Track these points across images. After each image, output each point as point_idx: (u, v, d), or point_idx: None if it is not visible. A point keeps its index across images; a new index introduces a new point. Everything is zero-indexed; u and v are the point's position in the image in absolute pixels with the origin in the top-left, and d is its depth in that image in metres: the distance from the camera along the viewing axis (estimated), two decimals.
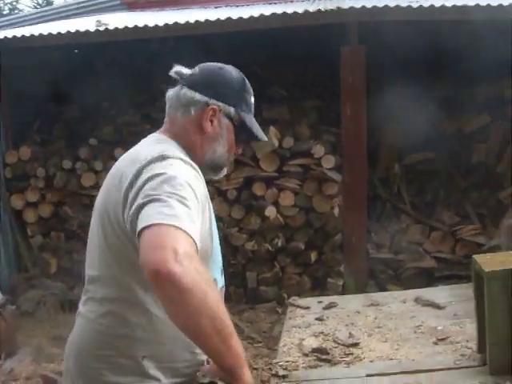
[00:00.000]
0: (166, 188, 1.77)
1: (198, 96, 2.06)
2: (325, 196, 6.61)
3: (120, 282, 1.97)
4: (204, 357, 2.06)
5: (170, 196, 1.75)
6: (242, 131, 2.13)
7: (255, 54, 7.88)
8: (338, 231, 6.68)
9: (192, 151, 2.07)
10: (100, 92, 7.40)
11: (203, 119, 2.06)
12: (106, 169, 6.84)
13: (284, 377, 2.53)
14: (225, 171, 2.23)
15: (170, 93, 2.15)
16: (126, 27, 6.41)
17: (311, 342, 2.84)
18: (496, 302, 2.26)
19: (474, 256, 2.47)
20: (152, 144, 2.04)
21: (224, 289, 2.30)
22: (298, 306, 3.35)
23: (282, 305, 6.14)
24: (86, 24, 6.98)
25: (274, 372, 2.59)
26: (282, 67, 8.11)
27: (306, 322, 3.09)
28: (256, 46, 7.63)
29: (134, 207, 1.78)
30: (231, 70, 2.15)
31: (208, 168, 2.14)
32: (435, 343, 2.68)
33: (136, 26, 6.37)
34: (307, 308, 3.30)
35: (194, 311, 1.66)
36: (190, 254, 1.67)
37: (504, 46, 7.28)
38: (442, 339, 2.71)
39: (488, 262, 2.35)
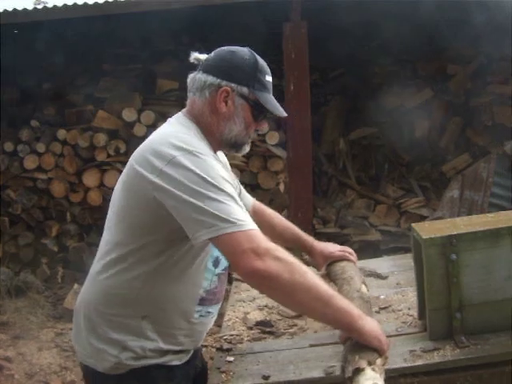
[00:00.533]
0: (208, 184, 1.97)
1: (211, 79, 2.19)
2: (270, 172, 6.63)
3: (131, 248, 2.13)
4: (202, 328, 2.28)
5: (216, 192, 1.96)
6: (258, 109, 2.22)
7: (202, 31, 7.80)
8: (284, 207, 6.69)
9: (210, 132, 2.22)
10: (41, 73, 7.26)
11: (217, 101, 2.18)
12: (49, 151, 6.78)
13: (228, 350, 2.53)
14: (247, 148, 2.32)
15: (190, 77, 2.27)
16: (65, 5, 6.25)
17: (256, 316, 2.85)
18: (434, 269, 2.30)
19: (413, 224, 2.51)
20: (174, 129, 2.20)
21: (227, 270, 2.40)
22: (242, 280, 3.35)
23: (231, 282, 6.14)
24: (24, 2, 6.78)
25: (218, 346, 2.59)
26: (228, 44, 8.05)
27: (251, 296, 3.08)
28: (201, 23, 7.55)
29: (182, 204, 1.97)
30: (244, 53, 2.23)
31: (228, 146, 2.28)
32: (377, 312, 2.71)
33: (75, 4, 6.21)
34: None
35: (289, 293, 1.94)
36: (263, 246, 1.94)
37: (446, 21, 7.39)
38: (385, 308, 2.75)
39: (426, 230, 2.39)
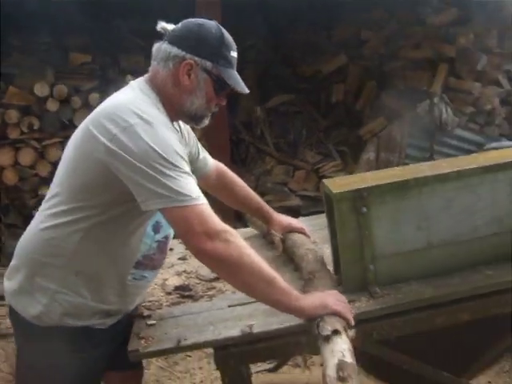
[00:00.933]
0: (161, 157, 2.00)
1: (175, 51, 2.19)
2: None
3: (75, 205, 2.15)
4: (135, 290, 2.37)
5: (169, 166, 2.00)
6: (220, 84, 2.23)
7: (111, 6, 7.63)
8: None
9: (170, 103, 2.23)
10: None
11: (180, 73, 2.19)
12: None
13: (148, 317, 2.52)
14: (206, 121, 2.34)
15: (155, 47, 2.27)
16: None
17: (174, 281, 2.83)
18: (346, 223, 2.34)
19: (324, 180, 2.54)
20: (133, 95, 2.19)
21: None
22: None
23: None
24: None
25: (138, 313, 2.57)
26: (140, 16, 7.91)
27: (169, 263, 3.06)
28: None
29: (134, 171, 2.00)
30: (211, 26, 2.22)
31: (187, 118, 2.32)
32: (295, 270, 2.75)
33: None
34: (170, 249, 3.28)
35: (235, 273, 2.05)
36: (214, 228, 2.01)
37: None
38: None
39: (336, 185, 2.42)
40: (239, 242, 2.05)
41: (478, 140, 7.20)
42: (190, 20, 2.26)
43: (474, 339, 2.63)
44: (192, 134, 2.67)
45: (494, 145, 6.83)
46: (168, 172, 2.00)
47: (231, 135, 7.13)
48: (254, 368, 3.84)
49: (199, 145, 2.78)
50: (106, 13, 7.12)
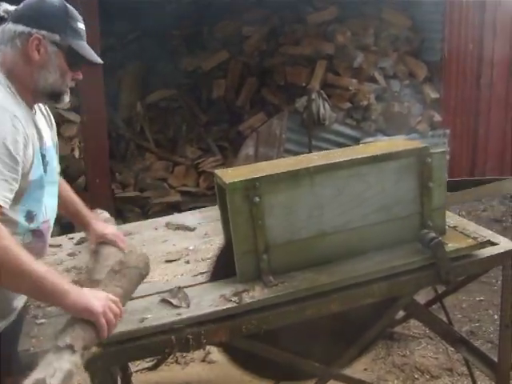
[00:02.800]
0: None
1: (21, 28, 2.11)
2: (64, 138, 6.36)
3: None
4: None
5: None
6: (72, 57, 2.16)
7: None
8: (81, 173, 6.47)
9: (24, 84, 2.14)
10: None
11: (29, 49, 2.10)
12: None
13: (38, 315, 2.41)
14: (66, 98, 2.25)
15: None
16: None
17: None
18: (239, 213, 2.33)
19: (216, 171, 2.51)
20: None
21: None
22: (50, 245, 3.21)
23: None
24: None
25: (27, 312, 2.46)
26: None
27: (59, 259, 2.98)
28: None
29: None
30: (53, 0, 2.15)
31: (45, 96, 2.21)
32: (187, 262, 2.73)
33: None
34: (59, 246, 3.17)
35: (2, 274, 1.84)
36: None
37: None
38: (194, 257, 2.79)
39: (229, 175, 2.41)
40: (5, 241, 1.86)
41: (354, 135, 7.41)
42: None
43: (346, 327, 2.67)
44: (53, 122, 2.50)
45: (369, 140, 7.06)
46: None
47: (111, 131, 6.99)
48: (133, 367, 3.81)
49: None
50: None
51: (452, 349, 3.91)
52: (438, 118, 7.56)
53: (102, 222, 2.73)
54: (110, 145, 6.80)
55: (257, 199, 2.31)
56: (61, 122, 6.37)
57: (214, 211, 2.74)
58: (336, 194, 2.45)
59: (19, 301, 2.31)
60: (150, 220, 3.59)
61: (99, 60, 2.25)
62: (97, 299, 1.93)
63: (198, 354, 4.16)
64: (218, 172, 2.49)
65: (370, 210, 2.52)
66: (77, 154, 6.43)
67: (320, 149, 6.90)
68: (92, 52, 2.22)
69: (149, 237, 3.14)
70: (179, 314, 2.22)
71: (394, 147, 2.60)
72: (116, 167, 7.15)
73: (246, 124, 7.66)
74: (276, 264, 2.39)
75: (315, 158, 2.54)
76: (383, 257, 2.51)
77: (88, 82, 6.16)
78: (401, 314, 3.22)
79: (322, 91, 7.12)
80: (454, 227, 2.76)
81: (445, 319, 3.36)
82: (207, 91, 8.20)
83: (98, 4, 6.17)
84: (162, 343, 2.19)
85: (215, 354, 4.03)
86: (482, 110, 7.78)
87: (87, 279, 2.38)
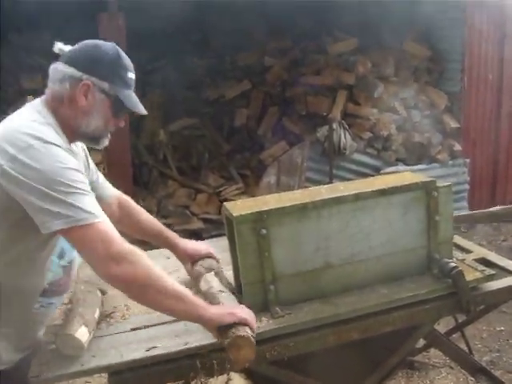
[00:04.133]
0: (57, 177, 1.95)
1: (72, 71, 2.15)
2: None
3: None
4: (42, 318, 2.31)
5: (68, 187, 1.96)
6: (118, 106, 2.20)
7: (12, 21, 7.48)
8: None
9: (67, 124, 2.17)
10: None
11: (77, 94, 2.15)
12: None
13: (50, 341, 2.46)
14: (106, 141, 2.30)
15: (51, 67, 2.21)
16: None
17: None
18: (246, 245, 2.38)
19: (225, 203, 2.56)
20: (29, 116, 2.12)
21: None
22: None
23: None
24: None
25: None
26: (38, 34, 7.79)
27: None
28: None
29: (33, 192, 1.94)
30: (108, 48, 2.20)
31: (85, 139, 2.28)
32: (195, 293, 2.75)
33: None
34: None
35: (144, 293, 2.05)
36: (119, 251, 1.99)
37: (263, 16, 7.61)
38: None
39: (237, 208, 2.46)
40: (144, 262, 2.04)
41: (375, 164, 7.44)
42: (86, 41, 2.23)
43: (366, 356, 2.71)
44: (91, 160, 2.62)
45: (390, 169, 7.09)
46: (66, 190, 1.96)
47: (134, 158, 7.10)
48: None
49: (98, 172, 2.72)
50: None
51: (472, 378, 3.89)
52: (458, 147, 7.58)
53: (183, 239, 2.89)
54: (134, 172, 6.91)
55: (264, 231, 2.36)
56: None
57: (224, 241, 2.78)
58: (342, 227, 2.49)
59: (41, 332, 2.37)
60: (161, 249, 3.63)
61: (144, 111, 2.27)
62: (233, 306, 2.26)
63: (220, 379, 4.18)
64: (227, 204, 2.55)
65: (376, 243, 2.55)
66: None
67: (341, 178, 6.97)
68: (138, 102, 2.25)
69: (161, 265, 3.16)
70: (186, 344, 2.28)
71: (401, 181, 2.64)
72: (139, 194, 7.23)
73: (267, 153, 7.74)
74: (283, 295, 2.43)
75: (322, 192, 2.58)
76: (391, 289, 2.54)
77: None
78: (421, 342, 3.24)
79: (342, 121, 7.19)
80: (462, 260, 2.79)
81: (465, 348, 3.37)
82: (229, 120, 8.30)
83: (125, 33, 6.33)
84: (187, 367, 2.25)
85: (236, 379, 4.05)
86: (501, 140, 7.80)
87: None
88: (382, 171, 7.17)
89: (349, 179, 6.55)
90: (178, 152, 8.02)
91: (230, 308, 2.20)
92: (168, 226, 6.85)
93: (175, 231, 3.09)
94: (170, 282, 2.08)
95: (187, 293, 2.11)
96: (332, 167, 7.04)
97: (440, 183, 2.65)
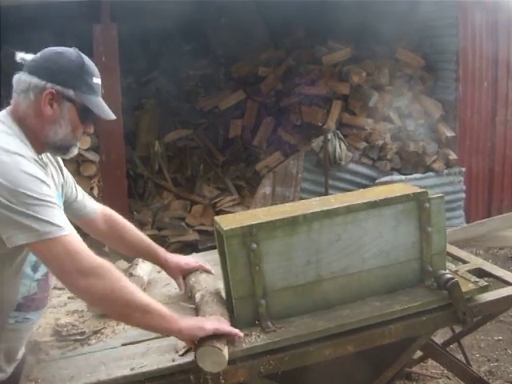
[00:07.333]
0: (23, 189, 1.92)
1: (36, 81, 2.10)
2: (84, 177, 6.47)
3: None
4: (18, 334, 2.22)
5: (31, 197, 1.92)
6: (85, 112, 2.17)
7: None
8: None
9: (34, 135, 2.13)
10: None
11: (42, 103, 2.10)
12: None
13: (39, 358, 2.45)
14: (75, 151, 2.25)
15: (15, 78, 2.16)
16: None
17: (67, 320, 2.77)
18: (236, 258, 2.37)
19: (215, 217, 2.55)
20: None
21: None
22: (55, 287, 3.25)
23: None
24: None
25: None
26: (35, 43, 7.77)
27: (62, 302, 3.01)
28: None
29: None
30: (71, 54, 2.16)
31: (53, 149, 2.21)
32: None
33: None
34: (63, 288, 3.21)
35: (111, 306, 2.08)
36: (87, 265, 1.98)
37: (258, 26, 7.62)
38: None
39: (227, 221, 2.45)
40: (112, 275, 2.03)
41: (370, 174, 7.42)
42: (48, 49, 2.18)
43: (363, 368, 2.69)
44: (69, 174, 2.55)
45: (385, 179, 7.08)
46: (31, 202, 1.91)
47: (129, 170, 7.08)
48: None
49: (77, 186, 2.65)
50: None
51: None
52: (453, 156, 7.56)
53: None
54: (129, 184, 6.89)
55: (254, 246, 2.35)
56: (80, 161, 6.49)
57: (215, 254, 2.77)
58: (334, 239, 2.47)
59: (22, 350, 2.32)
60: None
61: (112, 116, 2.23)
62: (204, 318, 2.27)
63: None
64: (217, 218, 2.53)
65: (368, 256, 2.54)
66: (96, 192, 6.53)
67: (336, 188, 6.96)
68: (105, 108, 2.21)
69: (152, 279, 3.16)
70: (173, 360, 2.26)
71: (392, 192, 2.62)
72: (134, 206, 7.23)
73: (262, 163, 7.72)
74: (274, 309, 2.42)
75: (313, 204, 2.57)
76: (384, 302, 2.52)
77: (107, 121, 6.27)
78: (418, 353, 3.22)
79: (337, 131, 7.16)
80: (456, 271, 2.78)
81: (463, 359, 3.35)
82: (224, 131, 8.30)
83: (117, 45, 6.33)
84: (180, 383, 2.25)
85: None
86: (497, 148, 7.79)
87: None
88: (377, 181, 7.16)
89: (344, 189, 6.56)
90: (173, 163, 8.02)
91: (201, 320, 2.24)
92: (163, 237, 6.87)
93: (171, 243, 3.07)
94: (138, 295, 2.07)
95: (156, 306, 2.10)
96: (327, 177, 7.02)
97: (432, 194, 2.63)
